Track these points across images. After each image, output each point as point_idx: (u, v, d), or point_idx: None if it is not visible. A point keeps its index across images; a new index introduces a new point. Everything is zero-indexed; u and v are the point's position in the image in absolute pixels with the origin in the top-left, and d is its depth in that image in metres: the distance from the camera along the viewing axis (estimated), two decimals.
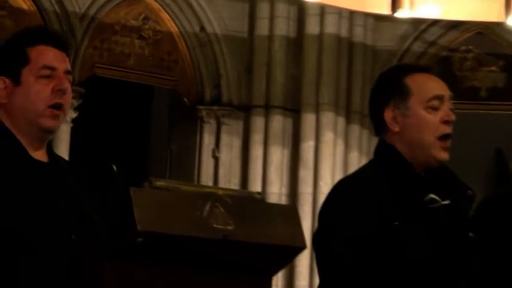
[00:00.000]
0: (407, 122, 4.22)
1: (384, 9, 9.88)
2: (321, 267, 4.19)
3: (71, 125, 11.39)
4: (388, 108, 4.21)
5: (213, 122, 12.29)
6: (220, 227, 3.67)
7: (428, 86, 4.39)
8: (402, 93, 4.32)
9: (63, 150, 10.97)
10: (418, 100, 4.26)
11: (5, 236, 3.77)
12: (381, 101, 4.36)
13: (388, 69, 4.66)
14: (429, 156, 4.28)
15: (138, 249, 3.65)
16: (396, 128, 4.18)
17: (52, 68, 3.99)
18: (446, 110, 4.20)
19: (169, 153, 12.55)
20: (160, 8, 12.15)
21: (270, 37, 12.33)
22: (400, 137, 4.21)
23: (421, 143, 4.26)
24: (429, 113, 4.21)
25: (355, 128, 11.98)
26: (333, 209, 4.27)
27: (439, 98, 4.31)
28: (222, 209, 3.70)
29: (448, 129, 4.17)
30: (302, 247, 3.98)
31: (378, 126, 4.33)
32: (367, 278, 4.16)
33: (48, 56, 4.02)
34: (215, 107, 12.31)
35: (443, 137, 4.23)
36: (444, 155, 4.22)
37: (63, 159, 4.38)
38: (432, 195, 4.14)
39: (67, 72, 3.96)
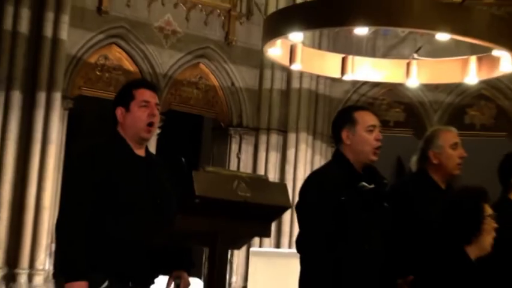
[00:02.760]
0: (355, 139, 4.23)
1: (337, 74, 9.83)
2: (300, 224, 4.21)
3: (157, 137, 11.38)
4: (344, 130, 4.31)
5: (237, 137, 12.25)
6: (242, 194, 3.68)
7: (367, 118, 4.37)
8: (352, 122, 4.35)
9: (151, 150, 11.01)
10: (361, 126, 4.26)
11: (121, 198, 3.90)
12: (340, 126, 4.43)
13: (343, 108, 4.80)
14: (367, 159, 4.34)
15: (196, 206, 3.66)
16: (348, 142, 4.30)
17: (147, 102, 4.12)
18: (377, 133, 4.32)
19: (211, 154, 12.56)
20: (209, 71, 12.10)
21: (271, 90, 12.23)
22: (349, 148, 4.35)
23: (362, 151, 4.35)
24: (368, 134, 4.17)
25: (318, 142, 11.93)
26: (307, 190, 4.34)
27: (373, 126, 4.36)
28: (243, 184, 3.72)
29: (379, 144, 4.31)
30: (289, 207, 4.00)
31: (337, 141, 4.45)
32: (324, 230, 4.15)
33: (146, 94, 4.18)
34: (239, 129, 12.26)
35: (377, 149, 4.26)
36: (375, 158, 4.32)
37: (154, 155, 4.65)
38: (363, 183, 4.23)
39: (156, 104, 4.19)
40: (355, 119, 4.38)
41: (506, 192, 5.00)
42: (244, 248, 10.72)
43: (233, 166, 11.82)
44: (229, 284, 11.82)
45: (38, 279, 9.97)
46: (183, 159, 4.30)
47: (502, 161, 5.13)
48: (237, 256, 11.54)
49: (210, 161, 12.30)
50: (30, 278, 10.13)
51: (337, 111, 4.76)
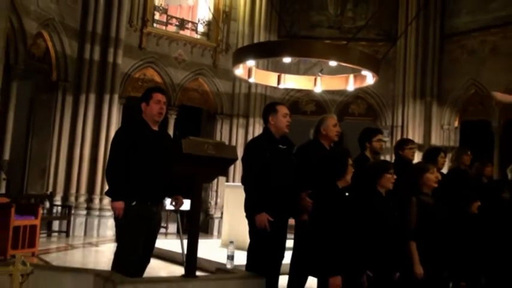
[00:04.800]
0: (276, 120, 4.27)
1: (275, 84, 9.77)
2: (243, 168, 4.19)
3: (174, 120, 11.31)
4: (270, 115, 4.29)
5: (220, 120, 12.05)
6: (210, 152, 3.64)
7: (283, 109, 4.45)
8: (275, 111, 4.35)
9: (170, 129, 10.93)
10: (280, 114, 4.23)
11: (143, 153, 3.99)
12: (267, 113, 4.38)
13: (269, 103, 4.72)
14: (283, 131, 4.29)
15: (183, 158, 3.60)
16: (272, 122, 4.29)
17: (159, 101, 4.05)
18: (289, 118, 4.35)
19: (206, 131, 12.30)
20: (204, 82, 11.90)
21: (239, 93, 12.06)
22: (273, 126, 4.45)
23: (281, 127, 4.29)
24: (283, 118, 4.16)
25: (260, 121, 11.81)
26: (248, 148, 4.28)
27: (287, 114, 4.38)
28: (211, 146, 3.67)
29: (288, 123, 4.32)
30: (236, 159, 3.96)
31: (265, 121, 4.42)
32: (256, 171, 4.15)
33: (159, 96, 4.11)
34: (221, 115, 12.09)
35: (288, 125, 4.25)
36: (287, 130, 4.31)
37: (163, 130, 4.49)
38: (280, 145, 4.18)
39: (164, 102, 4.11)
40: (277, 109, 4.41)
41: (363, 151, 5.04)
42: (224, 183, 10.74)
43: (218, 137, 11.64)
44: (216, 203, 11.88)
45: (105, 201, 9.98)
46: (178, 132, 4.30)
47: (360, 133, 5.15)
48: (221, 187, 11.54)
49: (205, 134, 12.03)
50: (100, 200, 10.19)
51: (266, 105, 4.72)
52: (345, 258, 3.60)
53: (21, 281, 1.58)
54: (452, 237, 4.23)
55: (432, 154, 5.52)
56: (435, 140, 11.57)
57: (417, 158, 5.97)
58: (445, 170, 5.78)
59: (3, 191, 8.75)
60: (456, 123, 11.75)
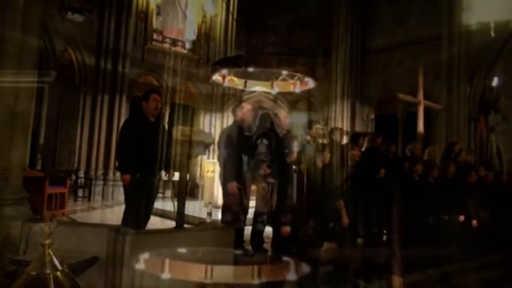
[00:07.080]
0: (242, 114, 4.05)
1: (242, 87, 9.54)
2: (219, 149, 4.11)
3: (168, 113, 11.04)
4: (237, 111, 4.12)
5: (202, 114, 11.86)
6: (194, 137, 3.56)
7: (248, 106, 4.27)
8: (241, 107, 4.14)
9: (165, 121, 10.69)
10: (245, 110, 4.11)
11: (143, 137, 3.75)
12: (236, 110, 4.27)
13: (237, 102, 4.56)
14: (249, 122, 4.16)
15: (174, 142, 3.50)
16: (239, 116, 4.11)
17: (156, 99, 3.88)
18: (251, 113, 4.09)
19: (191, 123, 12.08)
20: (191, 86, 11.69)
21: (216, 93, 11.77)
22: (240, 118, 4.12)
23: (246, 120, 4.16)
24: (249, 113, 4.10)
25: (230, 115, 11.61)
26: (221, 135, 4.20)
27: (250, 110, 4.09)
28: (194, 133, 3.58)
29: (253, 117, 4.20)
30: (213, 143, 3.89)
31: (234, 115, 4.19)
32: (228, 151, 4.10)
33: (155, 96, 3.90)
34: (203, 110, 11.87)
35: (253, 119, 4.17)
36: (251, 123, 4.20)
37: (160, 121, 4.30)
38: (246, 132, 4.06)
39: (160, 100, 3.89)
40: (242, 106, 4.33)
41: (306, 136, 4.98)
42: (205, 159, 10.57)
43: (201, 127, 11.42)
44: (200, 174, 11.72)
45: (117, 174, 9.56)
46: (169, 123, 4.20)
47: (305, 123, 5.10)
48: (204, 161, 11.36)
49: (191, 125, 11.74)
50: (113, 173, 9.96)
51: (235, 104, 4.63)
52: (294, 213, 3.65)
53: (49, 232, 1.56)
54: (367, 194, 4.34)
55: (355, 138, 5.56)
56: (358, 128, 11.75)
57: (345, 140, 6.03)
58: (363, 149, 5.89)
59: (39, 167, 8.53)
60: (373, 116, 11.96)
